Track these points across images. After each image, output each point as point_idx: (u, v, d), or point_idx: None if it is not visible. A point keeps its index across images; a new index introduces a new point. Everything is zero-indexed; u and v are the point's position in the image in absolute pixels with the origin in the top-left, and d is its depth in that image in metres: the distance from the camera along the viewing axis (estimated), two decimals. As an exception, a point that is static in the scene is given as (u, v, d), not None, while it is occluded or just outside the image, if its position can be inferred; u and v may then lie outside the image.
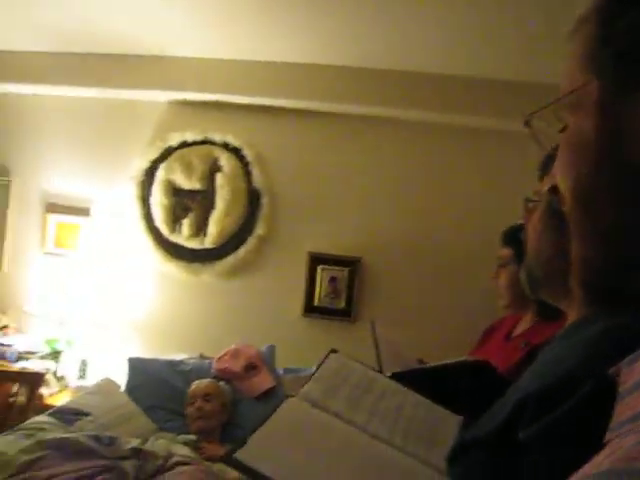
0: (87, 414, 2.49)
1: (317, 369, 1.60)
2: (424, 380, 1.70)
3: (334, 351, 1.72)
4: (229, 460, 1.06)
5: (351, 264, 3.42)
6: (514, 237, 2.15)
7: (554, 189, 0.67)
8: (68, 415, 2.46)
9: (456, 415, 1.54)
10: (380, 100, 3.31)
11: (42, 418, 2.41)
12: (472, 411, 1.48)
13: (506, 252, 2.22)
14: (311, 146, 3.55)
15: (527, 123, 0.70)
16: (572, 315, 0.70)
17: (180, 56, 3.52)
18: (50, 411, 2.53)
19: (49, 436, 2.16)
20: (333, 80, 3.34)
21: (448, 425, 1.52)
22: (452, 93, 3.22)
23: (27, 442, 2.09)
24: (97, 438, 2.20)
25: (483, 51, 2.91)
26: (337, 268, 3.44)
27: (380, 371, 2.15)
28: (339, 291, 3.44)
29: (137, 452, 2.24)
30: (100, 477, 1.99)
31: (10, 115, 4.03)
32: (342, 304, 3.43)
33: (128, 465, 2.14)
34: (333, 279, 3.44)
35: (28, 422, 2.36)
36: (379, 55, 3.14)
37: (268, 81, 3.43)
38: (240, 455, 1.06)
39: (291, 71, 3.39)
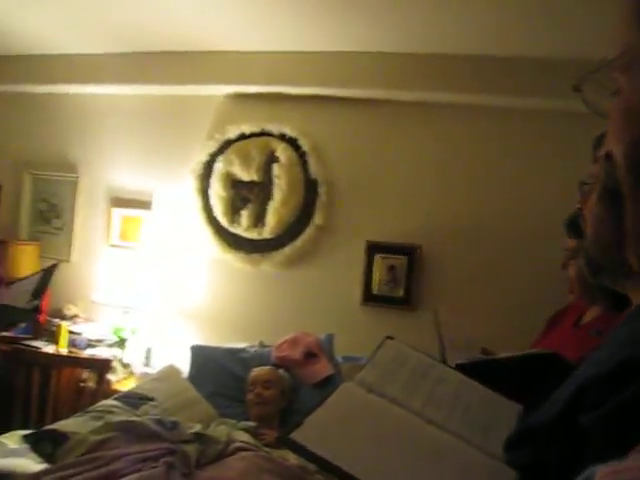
0: (151, 399, 2.57)
1: (372, 355, 1.60)
2: (489, 372, 1.67)
3: (390, 338, 1.71)
4: (285, 441, 1.08)
5: (410, 252, 3.39)
6: (578, 227, 2.07)
7: (608, 156, 0.65)
8: (133, 399, 2.55)
9: (515, 403, 1.51)
10: (435, 85, 3.27)
11: (110, 402, 2.50)
12: (538, 403, 1.45)
13: (573, 243, 2.14)
14: (367, 134, 3.54)
15: (577, 88, 0.67)
16: (637, 300, 0.67)
17: (236, 50, 3.58)
18: (117, 395, 2.63)
19: (116, 419, 2.25)
20: (387, 67, 3.32)
21: (506, 413, 1.50)
22: (509, 75, 3.13)
23: (96, 423, 2.18)
24: (161, 422, 2.27)
25: (541, 31, 2.83)
26: (395, 256, 3.42)
27: (443, 359, 2.12)
28: (398, 279, 3.42)
29: (199, 437, 2.30)
30: (164, 459, 2.05)
31: (76, 115, 4.19)
32: (401, 292, 3.41)
33: (190, 449, 2.19)
34: (392, 267, 3.42)
35: (97, 405, 2.46)
36: (432, 40, 3.10)
37: (323, 71, 3.44)
38: (296, 436, 1.08)
39: (344, 60, 3.39)
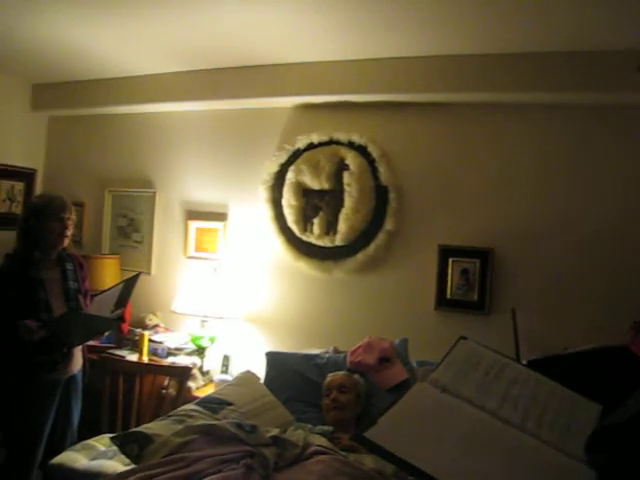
0: (230, 403, 2.63)
1: (446, 355, 1.58)
2: (561, 367, 1.64)
3: (463, 338, 1.69)
4: (359, 438, 1.09)
5: (483, 255, 3.34)
6: None
7: None
8: (213, 404, 2.62)
9: (594, 403, 1.46)
10: (505, 85, 3.20)
11: (190, 406, 2.58)
12: (613, 397, 1.41)
13: None
14: (435, 138, 3.52)
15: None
16: None
17: (302, 62, 3.64)
18: (197, 400, 2.71)
19: (197, 422, 2.31)
20: (454, 70, 3.28)
21: (586, 413, 1.45)
22: (582, 70, 3.03)
23: (178, 427, 2.25)
24: (240, 426, 2.32)
25: (614, 22, 2.73)
26: (468, 260, 3.37)
27: (518, 358, 2.08)
28: (471, 283, 3.37)
29: (277, 440, 2.33)
30: (243, 461, 2.09)
31: (151, 133, 4.37)
32: (475, 296, 3.36)
33: (268, 452, 2.23)
34: (465, 271, 3.37)
35: (178, 409, 2.54)
36: (499, 39, 3.04)
37: (388, 78, 3.45)
38: (369, 434, 1.09)
39: (410, 66, 3.38)
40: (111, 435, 2.38)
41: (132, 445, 2.13)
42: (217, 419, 2.45)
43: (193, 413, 2.46)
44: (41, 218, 2.86)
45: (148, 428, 2.24)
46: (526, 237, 3.28)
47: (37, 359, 2.78)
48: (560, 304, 3.18)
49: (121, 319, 3.02)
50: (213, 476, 1.94)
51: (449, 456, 1.09)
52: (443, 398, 1.34)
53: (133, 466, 2.09)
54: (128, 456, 2.13)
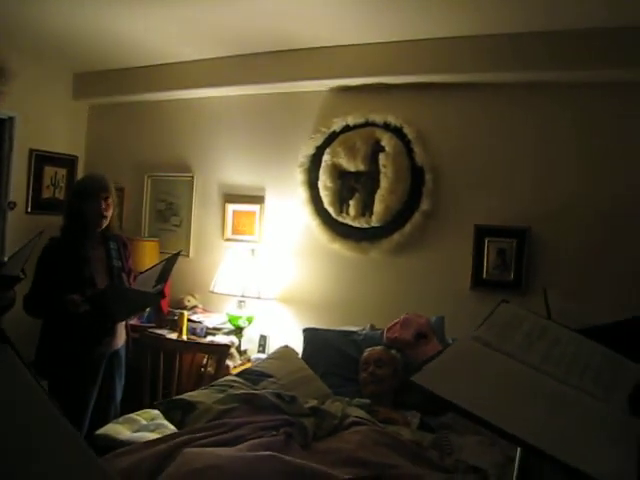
0: (270, 376, 2.69)
1: (488, 317, 1.60)
2: (601, 336, 1.64)
3: (505, 301, 1.71)
4: (407, 383, 1.13)
5: (519, 234, 3.32)
6: None
7: None
8: (253, 376, 2.68)
9: (636, 363, 1.47)
10: (539, 65, 3.18)
11: (232, 377, 2.64)
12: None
13: None
14: (470, 118, 3.51)
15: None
16: None
17: (337, 45, 3.67)
18: (238, 372, 2.77)
19: (238, 392, 2.37)
20: (490, 50, 3.27)
21: (628, 371, 1.46)
22: (617, 46, 2.99)
23: (220, 395, 2.31)
24: (280, 396, 2.37)
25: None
26: (505, 240, 3.36)
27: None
28: (507, 263, 3.36)
29: (315, 411, 2.37)
30: (283, 429, 2.14)
31: (189, 118, 4.45)
32: (511, 276, 3.35)
33: (307, 422, 2.27)
34: (501, 251, 3.37)
35: (220, 380, 2.60)
36: (534, 17, 3.02)
37: (422, 59, 3.45)
38: (416, 378, 1.12)
39: (444, 46, 3.39)
40: (156, 402, 2.45)
41: (176, 411, 2.20)
42: (257, 389, 2.50)
43: (234, 384, 2.53)
44: (81, 197, 2.96)
45: (191, 396, 2.31)
46: (563, 216, 3.25)
47: (83, 333, 2.86)
48: (593, 285, 3.15)
49: (161, 294, 3.09)
50: (254, 440, 1.99)
51: (491, 398, 1.11)
52: (485, 351, 1.37)
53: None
54: (171, 421, 2.20)
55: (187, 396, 2.31)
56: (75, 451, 0.86)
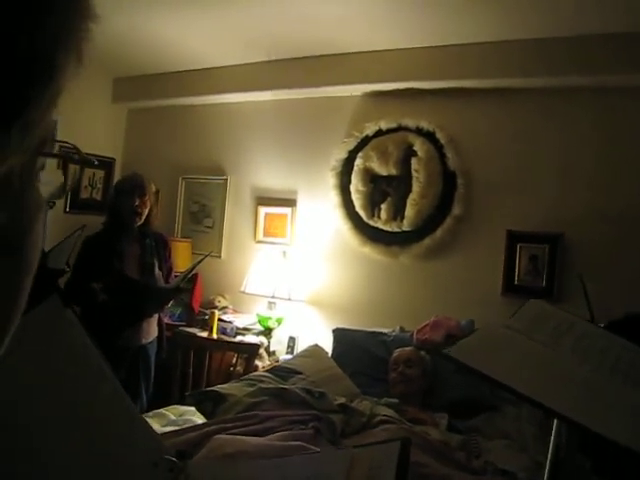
0: (299, 372, 2.71)
1: (517, 311, 1.61)
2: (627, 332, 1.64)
3: (534, 298, 1.71)
4: (439, 353, 1.16)
5: (552, 240, 3.30)
6: None
7: None
8: (283, 372, 2.70)
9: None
10: (570, 70, 3.17)
11: (262, 372, 2.67)
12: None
13: None
14: (503, 123, 3.51)
15: None
16: None
17: (370, 50, 3.71)
18: (268, 368, 2.80)
19: (268, 386, 2.40)
20: (519, 55, 3.28)
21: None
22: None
23: (250, 389, 2.34)
24: (309, 391, 2.39)
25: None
26: (537, 245, 3.34)
27: (592, 319, 2.07)
28: (539, 269, 3.34)
29: (344, 408, 2.39)
30: (312, 424, 2.16)
31: (224, 122, 4.52)
32: (543, 282, 3.32)
33: (336, 418, 2.29)
34: (533, 257, 3.35)
35: (250, 375, 2.63)
36: (563, 22, 3.01)
37: (455, 64, 3.47)
38: (449, 351, 1.16)
39: (476, 52, 3.40)
40: (188, 393, 2.49)
41: (207, 402, 2.24)
42: (286, 385, 2.53)
43: (264, 378, 2.56)
44: (118, 194, 3.09)
45: (222, 388, 2.34)
46: (598, 222, 3.22)
47: (102, 324, 2.90)
48: (630, 293, 3.10)
49: (178, 290, 3.15)
50: (284, 432, 2.01)
51: (522, 374, 1.13)
52: (516, 336, 1.39)
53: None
54: (202, 412, 2.23)
55: (218, 388, 2.35)
56: (129, 419, 0.90)
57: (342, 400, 2.47)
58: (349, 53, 3.78)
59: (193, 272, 3.37)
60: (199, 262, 3.23)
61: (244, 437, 1.87)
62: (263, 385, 2.44)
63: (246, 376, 2.64)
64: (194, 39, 3.81)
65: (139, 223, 3.12)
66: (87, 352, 0.86)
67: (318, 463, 0.85)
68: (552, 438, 1.63)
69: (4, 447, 0.68)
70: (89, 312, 2.86)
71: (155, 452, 0.84)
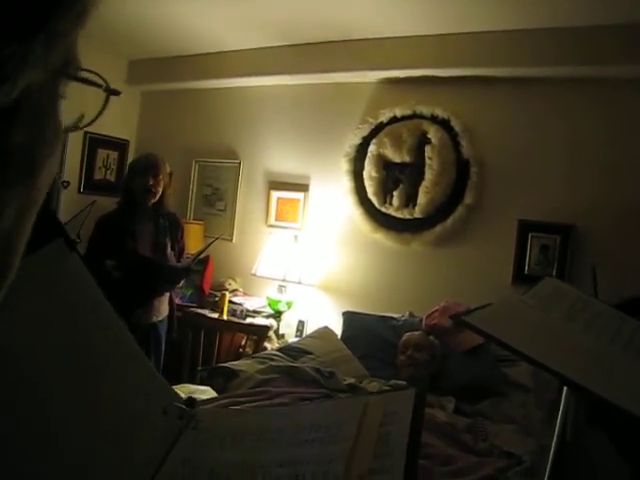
0: (309, 352, 2.74)
1: (531, 288, 1.63)
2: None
3: (549, 276, 1.73)
4: (457, 319, 1.19)
5: (564, 231, 3.30)
6: None
7: None
8: (293, 352, 2.73)
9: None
10: (585, 60, 3.15)
11: (272, 351, 2.70)
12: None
13: None
14: (516, 113, 3.50)
15: None
16: None
17: (386, 37, 3.70)
18: (278, 347, 2.83)
19: (279, 364, 2.43)
20: (536, 45, 3.26)
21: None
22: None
23: (261, 366, 2.37)
24: (319, 371, 2.42)
25: None
26: (548, 236, 3.35)
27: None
28: (550, 259, 3.34)
29: (353, 388, 2.42)
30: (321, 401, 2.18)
31: (237, 106, 4.54)
32: (553, 273, 3.32)
33: (345, 397, 2.31)
34: (544, 247, 3.35)
35: (261, 353, 2.66)
36: (578, 12, 3.00)
37: (471, 52, 3.46)
38: (467, 318, 1.19)
39: (492, 40, 3.38)
40: (199, 368, 2.53)
41: (218, 378, 2.27)
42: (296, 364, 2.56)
43: (274, 357, 2.58)
44: (132, 174, 3.11)
45: (234, 364, 2.37)
46: (611, 213, 3.21)
47: (115, 300, 2.94)
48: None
49: (189, 270, 3.18)
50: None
51: (536, 341, 1.15)
52: (531, 310, 1.41)
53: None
54: (214, 388, 2.26)
55: (230, 364, 2.38)
56: (137, 365, 0.90)
57: (351, 380, 2.49)
58: (365, 39, 3.78)
59: (205, 254, 3.40)
60: (210, 244, 3.27)
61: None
62: (274, 363, 2.47)
63: (257, 354, 2.67)
64: (210, 22, 3.82)
65: (152, 202, 3.14)
66: (93, 298, 0.84)
67: (330, 410, 0.86)
68: (559, 414, 1.65)
69: (6, 398, 0.65)
70: (102, 289, 2.89)
71: (164, 399, 0.83)
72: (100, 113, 0.47)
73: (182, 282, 3.49)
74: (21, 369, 0.68)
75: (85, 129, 4.31)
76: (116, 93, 0.47)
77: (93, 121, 0.49)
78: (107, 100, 0.46)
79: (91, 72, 0.44)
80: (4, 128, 0.33)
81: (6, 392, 0.65)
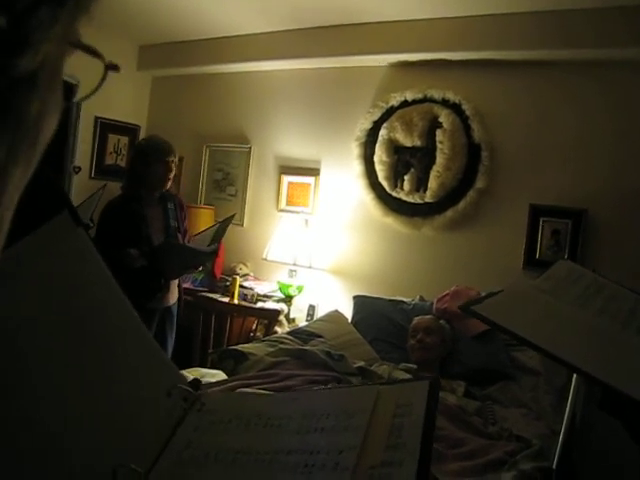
0: (319, 336, 2.75)
1: (546, 271, 1.61)
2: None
3: (563, 259, 1.72)
4: (466, 309, 1.18)
5: (576, 215, 3.28)
6: None
7: None
8: (303, 335, 2.74)
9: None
10: (596, 43, 3.11)
11: (283, 335, 2.72)
12: None
13: None
14: (530, 96, 3.46)
15: None
16: None
17: (397, 20, 3.67)
18: (289, 330, 2.84)
19: (289, 347, 2.44)
20: (546, 27, 3.22)
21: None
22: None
23: (271, 349, 2.38)
24: (329, 354, 2.43)
25: None
26: (560, 220, 3.32)
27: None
28: (562, 244, 3.32)
29: (363, 371, 2.42)
30: (331, 384, 2.20)
31: (249, 91, 4.53)
32: (565, 257, 3.30)
33: (354, 380, 2.32)
34: (556, 231, 3.33)
35: (272, 336, 2.68)
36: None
37: (483, 35, 3.42)
38: (475, 307, 1.17)
39: (504, 23, 3.34)
40: (210, 351, 2.55)
41: (229, 360, 2.28)
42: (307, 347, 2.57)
43: (285, 340, 2.60)
44: (147, 161, 3.04)
45: (244, 347, 2.38)
46: (623, 198, 3.18)
47: (137, 287, 2.96)
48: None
49: (215, 253, 3.18)
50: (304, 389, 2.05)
51: (547, 331, 1.14)
52: (542, 296, 1.40)
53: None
54: (224, 370, 2.27)
55: (240, 347, 2.39)
56: (142, 345, 0.90)
57: (361, 363, 2.50)
58: (376, 22, 3.75)
59: (224, 234, 3.36)
60: (227, 224, 3.22)
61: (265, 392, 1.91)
62: (284, 346, 2.48)
63: (267, 337, 2.68)
64: (221, 7, 3.80)
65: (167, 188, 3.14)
66: (98, 274, 0.83)
67: (341, 398, 0.86)
68: (569, 399, 1.65)
69: (5, 367, 0.64)
70: (120, 277, 2.90)
71: (169, 380, 0.83)
72: (98, 87, 0.46)
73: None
74: (21, 343, 0.67)
75: (96, 114, 4.32)
76: (114, 68, 0.47)
77: (89, 96, 0.49)
78: (105, 74, 0.45)
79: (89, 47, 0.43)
80: (27, 96, 0.33)
81: (3, 365, 0.64)
